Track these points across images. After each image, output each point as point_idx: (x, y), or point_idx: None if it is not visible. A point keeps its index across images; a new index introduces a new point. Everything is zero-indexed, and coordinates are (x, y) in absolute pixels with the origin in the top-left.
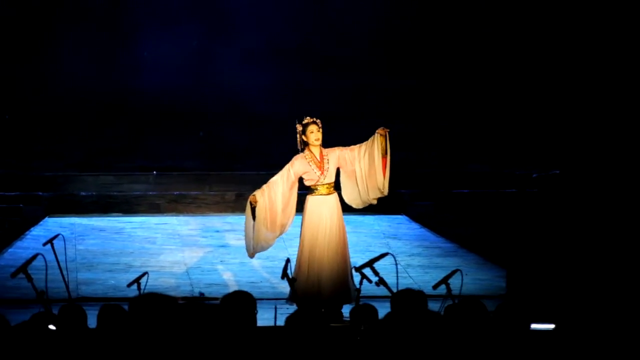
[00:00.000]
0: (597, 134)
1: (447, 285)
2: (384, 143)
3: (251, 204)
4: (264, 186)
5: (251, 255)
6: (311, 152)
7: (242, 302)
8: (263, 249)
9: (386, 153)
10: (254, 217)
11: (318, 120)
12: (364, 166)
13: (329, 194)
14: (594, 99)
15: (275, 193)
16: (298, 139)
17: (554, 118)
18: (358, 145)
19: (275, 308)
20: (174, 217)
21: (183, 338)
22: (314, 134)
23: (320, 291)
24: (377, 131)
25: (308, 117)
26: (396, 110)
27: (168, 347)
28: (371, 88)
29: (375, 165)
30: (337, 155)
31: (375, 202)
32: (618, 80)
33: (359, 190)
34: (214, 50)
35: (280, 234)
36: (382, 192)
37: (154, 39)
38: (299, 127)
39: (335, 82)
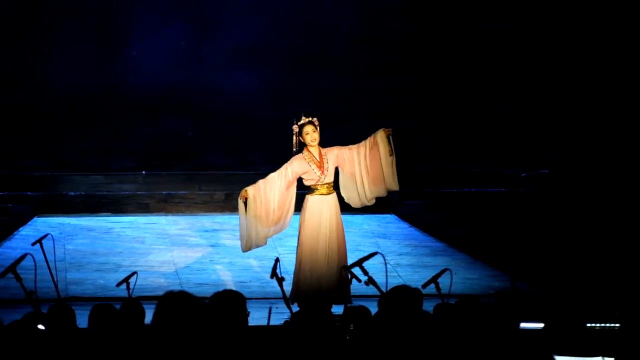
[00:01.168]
0: (586, 132)
1: (437, 284)
2: (387, 142)
3: (242, 198)
4: (260, 181)
5: (244, 250)
6: (310, 152)
7: (232, 301)
8: (259, 244)
9: (393, 153)
10: (246, 211)
11: (315, 120)
12: (365, 168)
13: (328, 193)
14: (584, 99)
15: (272, 188)
16: (294, 140)
17: (543, 117)
18: (356, 145)
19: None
20: (163, 217)
21: (175, 336)
22: (310, 135)
23: (321, 290)
24: (380, 131)
25: (304, 117)
26: (386, 109)
27: (160, 345)
28: (361, 86)
29: (383, 166)
30: (335, 155)
31: (373, 202)
32: (607, 80)
33: (357, 191)
34: (203, 49)
35: (277, 230)
36: (385, 193)
37: (143, 38)
38: (295, 128)
39: (327, 80)
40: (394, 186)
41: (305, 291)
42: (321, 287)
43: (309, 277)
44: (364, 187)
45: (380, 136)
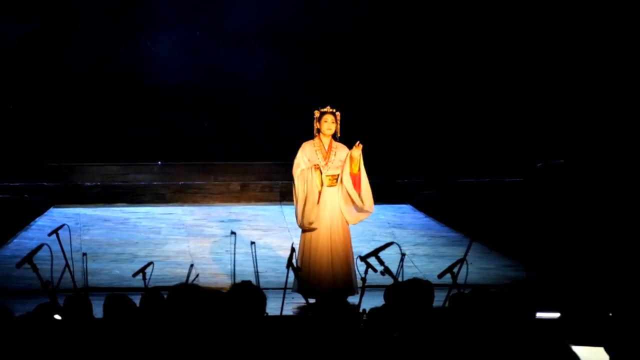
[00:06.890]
0: (603, 122)
1: (453, 274)
2: (350, 163)
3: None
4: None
5: (307, 225)
6: (321, 141)
7: (252, 296)
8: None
9: (359, 169)
10: (320, 184)
11: (338, 113)
12: (342, 190)
13: (330, 185)
14: (598, 91)
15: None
16: (315, 126)
17: (558, 107)
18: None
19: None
20: (179, 207)
21: (191, 327)
22: (327, 123)
23: (324, 281)
24: (348, 152)
25: (329, 107)
26: (396, 98)
27: (175, 335)
28: (370, 74)
29: (348, 190)
30: (345, 156)
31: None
32: (621, 72)
33: (340, 206)
34: (217, 39)
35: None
36: (361, 216)
37: (157, 30)
38: (316, 114)
39: (336, 69)
40: (362, 206)
41: (315, 283)
42: (336, 279)
43: (310, 268)
44: (341, 206)
45: (347, 157)
